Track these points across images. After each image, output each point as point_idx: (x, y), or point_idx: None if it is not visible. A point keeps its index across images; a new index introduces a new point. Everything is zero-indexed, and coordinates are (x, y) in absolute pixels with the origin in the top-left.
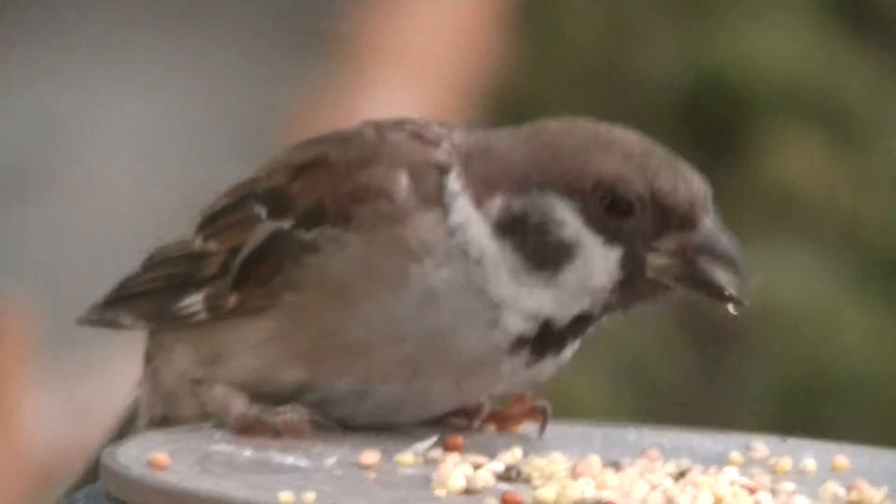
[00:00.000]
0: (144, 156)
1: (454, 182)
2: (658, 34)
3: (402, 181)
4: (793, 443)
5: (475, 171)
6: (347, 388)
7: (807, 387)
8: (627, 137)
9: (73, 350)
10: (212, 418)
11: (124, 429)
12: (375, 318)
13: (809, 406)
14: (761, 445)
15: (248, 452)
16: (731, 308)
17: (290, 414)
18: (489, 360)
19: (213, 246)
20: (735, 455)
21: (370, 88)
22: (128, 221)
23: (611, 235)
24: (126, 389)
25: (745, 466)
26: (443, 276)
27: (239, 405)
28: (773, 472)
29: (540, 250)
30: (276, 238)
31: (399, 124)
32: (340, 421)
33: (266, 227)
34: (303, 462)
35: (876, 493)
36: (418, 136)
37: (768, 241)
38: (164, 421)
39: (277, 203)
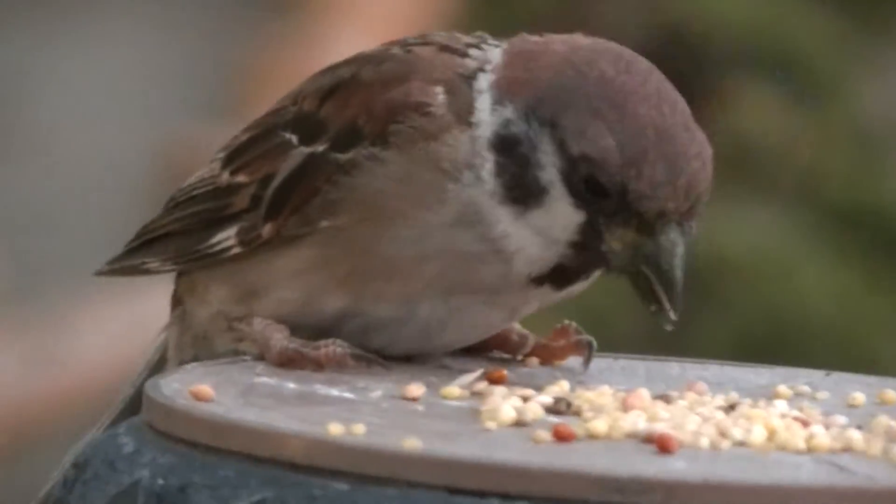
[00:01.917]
0: (104, 110)
1: (482, 81)
2: None
3: (439, 95)
4: (836, 376)
5: (511, 71)
6: (389, 311)
7: (765, 337)
8: (641, 112)
9: (38, 302)
10: (246, 355)
11: (152, 374)
12: (410, 235)
13: (768, 356)
14: (804, 379)
15: (291, 385)
16: (656, 316)
17: (331, 346)
18: (511, 287)
19: (242, 178)
20: (782, 388)
21: (326, 41)
22: (89, 175)
23: (580, 201)
24: (92, 340)
25: (793, 400)
26: (472, 199)
27: (279, 339)
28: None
29: (519, 182)
30: (310, 162)
31: (424, 39)
32: (382, 349)
33: (299, 153)
34: (348, 394)
35: None
36: (446, 48)
37: (727, 194)
38: None
39: (309, 128)
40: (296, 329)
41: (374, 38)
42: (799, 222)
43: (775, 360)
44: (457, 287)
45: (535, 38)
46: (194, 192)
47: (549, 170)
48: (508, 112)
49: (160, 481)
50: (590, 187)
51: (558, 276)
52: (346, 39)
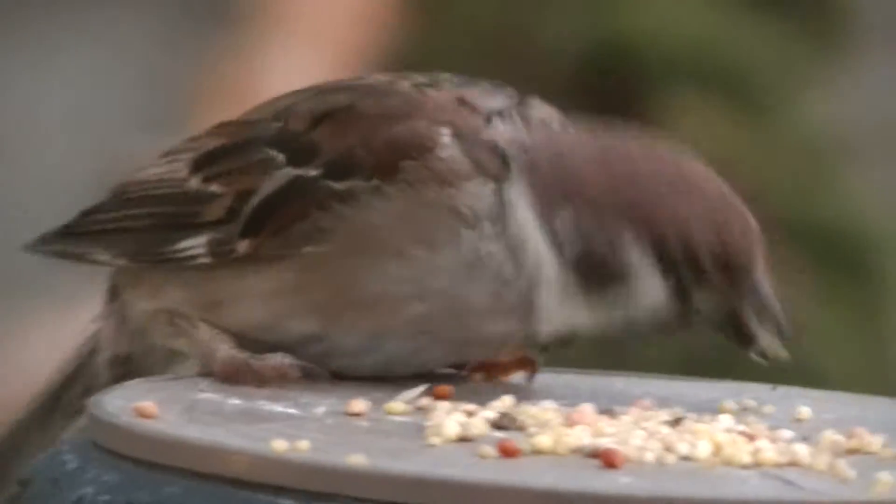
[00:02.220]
0: (48, 125)
1: (517, 182)
2: (557, 3)
3: (446, 140)
4: (782, 391)
5: (541, 176)
6: (357, 342)
7: (710, 352)
8: (702, 184)
9: None
10: (180, 358)
11: (81, 365)
12: (406, 272)
13: (713, 371)
14: (750, 393)
15: (235, 401)
16: (759, 359)
17: (278, 359)
18: (504, 345)
19: (216, 188)
20: (728, 403)
21: (267, 56)
22: (34, 189)
23: (668, 276)
24: (35, 355)
25: (739, 414)
26: (490, 254)
27: (225, 349)
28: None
29: (598, 276)
30: (298, 185)
31: (436, 82)
32: (339, 372)
33: (285, 174)
34: (292, 410)
35: (875, 441)
36: (463, 101)
37: None
38: (127, 359)
39: (297, 149)
40: (250, 344)
41: (318, 52)
42: None
43: (721, 375)
44: (443, 331)
45: (559, 131)
46: (155, 191)
47: (634, 256)
48: (566, 216)
49: (104, 498)
50: (676, 261)
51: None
52: (291, 54)
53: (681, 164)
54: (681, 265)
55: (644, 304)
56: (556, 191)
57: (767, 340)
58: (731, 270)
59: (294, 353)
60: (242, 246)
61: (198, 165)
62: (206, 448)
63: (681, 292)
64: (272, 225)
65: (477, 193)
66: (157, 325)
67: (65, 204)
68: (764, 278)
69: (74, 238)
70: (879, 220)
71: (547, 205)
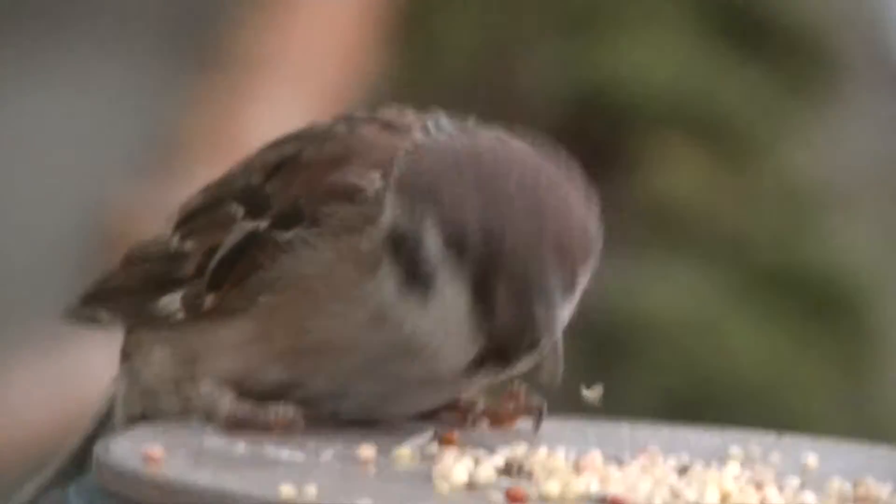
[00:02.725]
0: (32, 169)
1: (389, 181)
2: (539, 48)
3: (376, 181)
4: (788, 439)
5: (412, 164)
6: (326, 387)
7: (693, 398)
8: (503, 187)
9: None
10: (194, 415)
11: (99, 428)
12: (336, 326)
13: (696, 416)
14: (756, 441)
15: (242, 446)
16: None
17: (282, 409)
18: (447, 378)
19: (189, 246)
20: (734, 450)
21: (255, 100)
22: (20, 231)
23: (464, 280)
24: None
25: (746, 462)
26: (385, 300)
27: (227, 402)
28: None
29: (412, 272)
30: (252, 238)
31: (370, 115)
32: (331, 416)
33: (242, 227)
34: (299, 456)
35: (882, 489)
36: (388, 126)
37: (652, 255)
38: (142, 419)
39: (254, 202)
40: (245, 395)
41: (302, 94)
42: (725, 283)
43: (702, 420)
44: (393, 376)
45: (448, 131)
46: (147, 251)
47: (433, 254)
48: (399, 207)
49: None
50: (467, 262)
51: (493, 359)
52: (273, 97)
53: (529, 168)
54: (475, 262)
55: (446, 303)
56: (405, 177)
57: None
58: (518, 280)
59: (282, 400)
60: (209, 300)
61: (179, 224)
62: (214, 493)
63: (480, 296)
64: (233, 278)
65: (375, 235)
66: (164, 389)
67: (50, 250)
68: (554, 307)
69: (90, 301)
70: (863, 265)
71: (400, 188)
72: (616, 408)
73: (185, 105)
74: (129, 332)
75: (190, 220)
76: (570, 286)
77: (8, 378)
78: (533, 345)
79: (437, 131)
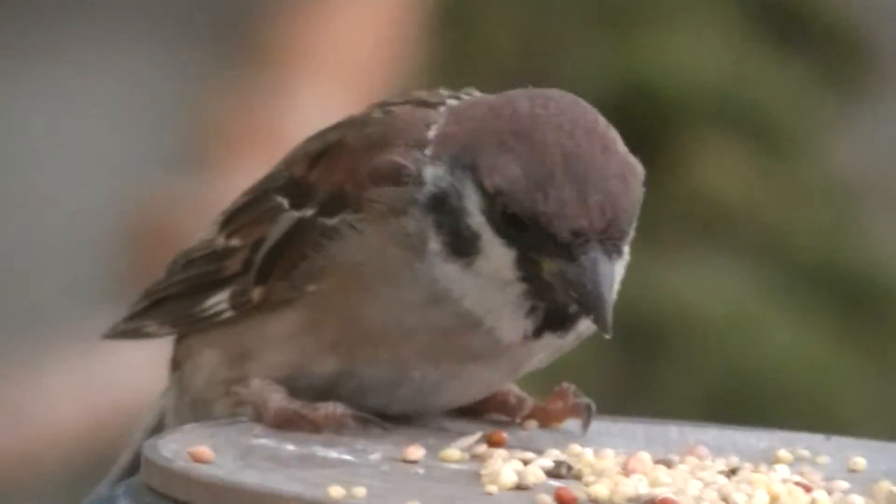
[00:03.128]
0: (71, 164)
1: (427, 152)
2: (580, 43)
3: (420, 159)
4: (836, 441)
5: (446, 127)
6: (382, 374)
7: (732, 395)
8: (549, 140)
9: (5, 355)
10: (243, 415)
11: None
12: (388, 310)
13: (735, 414)
14: (804, 443)
15: (290, 447)
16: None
17: (330, 407)
18: (506, 350)
19: (235, 242)
20: (783, 452)
21: (293, 93)
22: (57, 229)
23: (508, 239)
24: (61, 393)
25: (794, 464)
26: (439, 277)
27: (277, 399)
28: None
29: (456, 235)
30: (299, 227)
31: (403, 97)
32: (380, 409)
33: (288, 217)
34: (347, 456)
35: None
36: (422, 103)
37: (693, 251)
38: None
39: (298, 193)
40: (292, 391)
41: (338, 89)
42: (766, 280)
43: (742, 418)
44: (448, 356)
45: (483, 95)
46: (193, 256)
47: (476, 214)
48: (440, 169)
49: None
50: (509, 221)
51: (551, 320)
52: (311, 90)
53: (532, 115)
54: (511, 229)
55: (493, 267)
56: (444, 140)
57: (584, 323)
58: (555, 240)
59: (331, 394)
60: (256, 294)
61: (224, 224)
62: (263, 493)
63: (524, 259)
64: (280, 269)
65: (420, 217)
66: (215, 396)
67: (89, 244)
68: (599, 254)
69: (136, 315)
70: None
71: (438, 152)
72: (657, 405)
73: (224, 99)
74: (179, 340)
75: (235, 219)
76: (618, 236)
77: (42, 379)
78: (584, 301)
79: (469, 97)
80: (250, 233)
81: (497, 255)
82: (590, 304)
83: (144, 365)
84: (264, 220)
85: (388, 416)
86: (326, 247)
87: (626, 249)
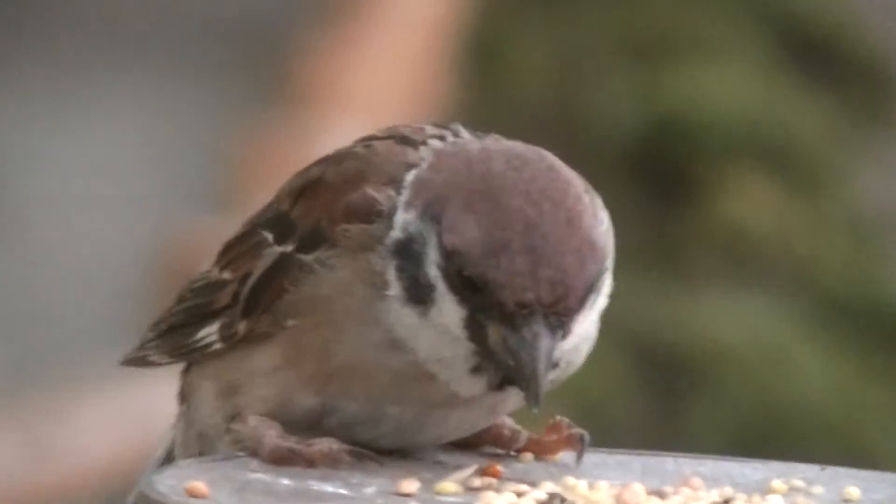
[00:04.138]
0: (98, 200)
1: (404, 196)
2: (610, 77)
3: (391, 197)
4: (831, 471)
5: (426, 173)
6: (360, 408)
7: (760, 429)
8: (514, 206)
9: (36, 390)
10: (239, 450)
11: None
12: (356, 348)
13: (764, 446)
14: (800, 473)
15: (286, 481)
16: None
17: (325, 443)
18: (473, 400)
19: (227, 275)
20: (777, 483)
21: (323, 130)
22: (85, 264)
23: (460, 297)
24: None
25: (788, 495)
26: (404, 318)
27: (272, 436)
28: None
29: (415, 284)
30: (281, 262)
31: (388, 131)
32: (368, 444)
33: (272, 253)
34: (343, 490)
35: None
36: (403, 140)
37: (722, 284)
38: None
39: (282, 227)
40: (285, 424)
41: (370, 125)
42: (795, 312)
43: (771, 450)
44: (417, 399)
45: (466, 140)
46: (194, 286)
47: (433, 266)
48: (411, 214)
49: None
50: (463, 281)
51: (508, 382)
52: (341, 128)
53: (495, 177)
54: (464, 289)
55: (444, 322)
56: (419, 186)
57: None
58: (502, 308)
59: (317, 427)
60: (242, 327)
61: (220, 255)
62: None
63: (472, 319)
64: (264, 303)
65: (387, 256)
66: (215, 428)
67: (117, 278)
68: (541, 328)
69: (144, 343)
70: None
71: (412, 196)
72: (687, 439)
73: (253, 136)
74: (184, 373)
75: (228, 251)
76: (564, 313)
77: (73, 413)
78: (519, 372)
79: (454, 140)
80: (239, 266)
81: (448, 311)
82: (524, 376)
83: (173, 399)
84: (251, 254)
85: (381, 450)
86: (302, 282)
87: (599, 300)
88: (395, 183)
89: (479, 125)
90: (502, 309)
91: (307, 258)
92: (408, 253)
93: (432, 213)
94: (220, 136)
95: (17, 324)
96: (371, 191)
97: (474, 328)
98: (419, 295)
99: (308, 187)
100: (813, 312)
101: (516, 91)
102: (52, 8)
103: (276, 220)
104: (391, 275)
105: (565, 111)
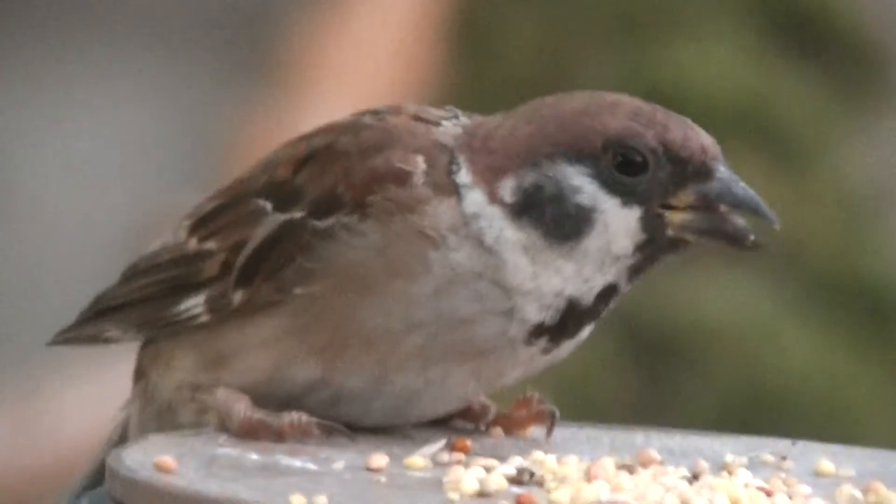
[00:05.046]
0: (86, 180)
1: (464, 173)
2: (596, 54)
3: (420, 164)
4: (802, 445)
5: (480, 160)
6: (362, 382)
7: (747, 407)
8: (630, 99)
9: (19, 373)
10: (208, 424)
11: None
12: (393, 306)
13: (752, 425)
14: (770, 448)
15: (254, 456)
16: (751, 249)
17: (295, 416)
18: (505, 348)
19: (211, 245)
20: (747, 458)
21: (312, 111)
22: (71, 245)
23: (627, 196)
24: (75, 411)
25: (758, 469)
26: (460, 263)
27: (241, 408)
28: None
29: (559, 222)
30: (285, 229)
31: (395, 109)
32: (352, 422)
33: (273, 220)
34: (311, 465)
35: (893, 496)
36: (419, 118)
37: (713, 262)
38: None
39: (283, 195)
40: (261, 399)
41: (358, 104)
42: (783, 290)
43: (759, 428)
44: (445, 354)
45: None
46: (158, 261)
47: (585, 186)
48: (510, 182)
49: None
50: (628, 170)
51: (560, 326)
52: (328, 110)
53: (599, 93)
54: (629, 177)
55: (617, 235)
56: (494, 166)
57: (745, 226)
58: (688, 164)
59: (303, 403)
60: (237, 296)
61: (195, 227)
62: (224, 503)
63: (647, 213)
64: (264, 272)
65: (435, 213)
66: (180, 402)
67: (105, 259)
68: (723, 168)
69: (88, 321)
70: None
71: (491, 180)
72: (675, 417)
73: (241, 115)
74: (144, 348)
75: (207, 223)
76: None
77: (57, 395)
78: (743, 204)
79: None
80: (228, 236)
81: (617, 221)
82: (749, 204)
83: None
84: (243, 223)
85: (357, 428)
86: (318, 248)
87: None
88: (423, 153)
89: (467, 104)
90: (689, 164)
91: (323, 224)
92: (539, 203)
93: (546, 150)
94: (210, 117)
95: (2, 305)
96: (397, 158)
97: (655, 223)
98: (566, 232)
99: (315, 155)
100: (801, 291)
101: (504, 71)
102: None
103: (273, 189)
104: (512, 240)
105: (553, 91)
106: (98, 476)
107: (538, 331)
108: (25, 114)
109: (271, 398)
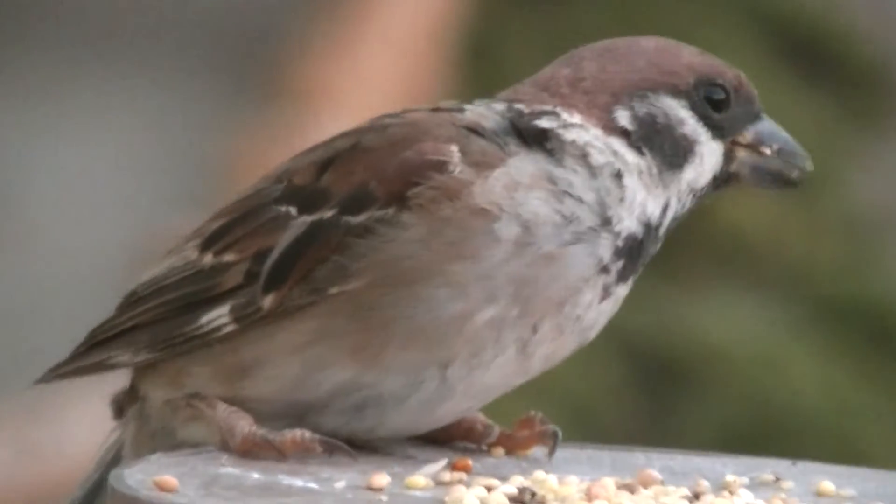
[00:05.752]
0: (84, 202)
1: (566, 116)
2: None
3: (455, 153)
4: (802, 465)
5: (580, 101)
6: (401, 380)
7: (752, 430)
8: (678, 45)
9: (25, 392)
10: (209, 443)
11: (104, 475)
12: (443, 295)
13: (755, 446)
14: (770, 468)
15: (255, 475)
16: (788, 189)
17: (298, 433)
18: (589, 281)
19: (229, 258)
20: (747, 478)
21: (311, 132)
22: (75, 266)
23: (716, 130)
24: (75, 431)
25: (759, 489)
26: (535, 211)
27: (244, 425)
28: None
29: (673, 150)
30: (315, 229)
31: (409, 109)
32: (370, 430)
33: (301, 222)
34: (312, 485)
35: None
36: (438, 109)
37: (718, 286)
38: None
39: (307, 199)
40: (281, 410)
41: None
42: (788, 313)
43: (763, 451)
44: (524, 309)
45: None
46: (165, 283)
47: (687, 119)
48: (621, 112)
49: None
50: (714, 105)
51: (629, 261)
52: (327, 131)
53: (659, 38)
54: (716, 112)
55: (707, 168)
56: (594, 103)
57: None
58: (753, 102)
59: (325, 411)
60: (267, 301)
61: (207, 244)
62: None
63: (728, 148)
64: (295, 274)
65: (485, 190)
66: (177, 416)
67: (105, 279)
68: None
69: (88, 352)
70: None
71: (598, 116)
72: (680, 439)
73: (244, 136)
74: (142, 367)
75: (221, 238)
76: None
77: (60, 416)
78: (786, 149)
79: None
80: (247, 246)
81: (709, 153)
82: (791, 150)
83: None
84: (265, 232)
85: (373, 437)
86: (354, 245)
87: None
88: (454, 142)
89: None
90: (753, 105)
91: (356, 220)
92: (653, 131)
93: (646, 87)
94: (212, 135)
95: (3, 325)
96: (429, 148)
97: (728, 158)
98: (676, 161)
99: (338, 157)
100: (805, 314)
101: (510, 73)
102: (39, 13)
103: (295, 194)
104: (631, 164)
105: None
106: (90, 498)
107: (618, 252)
108: (21, 137)
109: (292, 408)
